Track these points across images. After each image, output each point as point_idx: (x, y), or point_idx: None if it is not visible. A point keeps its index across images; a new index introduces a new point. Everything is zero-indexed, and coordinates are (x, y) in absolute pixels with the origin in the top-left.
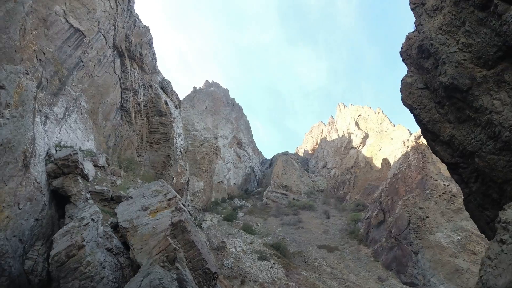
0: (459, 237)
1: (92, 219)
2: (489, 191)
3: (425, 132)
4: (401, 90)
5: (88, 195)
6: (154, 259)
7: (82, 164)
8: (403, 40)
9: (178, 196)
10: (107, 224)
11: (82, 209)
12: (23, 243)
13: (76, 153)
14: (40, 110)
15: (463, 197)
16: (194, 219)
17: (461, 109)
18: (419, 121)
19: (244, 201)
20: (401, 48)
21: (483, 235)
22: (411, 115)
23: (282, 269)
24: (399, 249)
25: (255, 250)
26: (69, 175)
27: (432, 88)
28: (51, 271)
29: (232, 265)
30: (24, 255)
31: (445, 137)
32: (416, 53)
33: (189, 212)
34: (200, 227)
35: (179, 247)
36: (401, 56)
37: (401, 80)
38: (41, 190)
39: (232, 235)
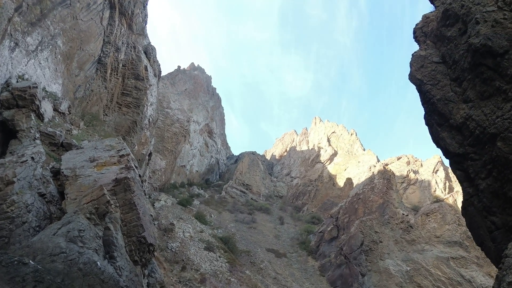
0: (409, 268)
1: (32, 158)
2: (504, 189)
3: (431, 114)
4: (412, 64)
5: (37, 135)
6: (81, 207)
7: (40, 101)
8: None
9: (132, 156)
10: (47, 168)
11: (26, 147)
12: None
13: (36, 87)
14: (11, 35)
15: (463, 197)
16: (149, 196)
17: (488, 80)
18: (427, 99)
19: (202, 190)
20: (416, 25)
21: (435, 270)
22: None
23: (226, 264)
24: (347, 268)
25: (203, 239)
26: (23, 109)
27: (451, 61)
28: None
29: (177, 249)
30: None
31: (458, 119)
32: (438, 21)
33: (139, 175)
34: (153, 205)
35: (116, 206)
36: (414, 33)
37: (413, 54)
38: None
39: (183, 219)
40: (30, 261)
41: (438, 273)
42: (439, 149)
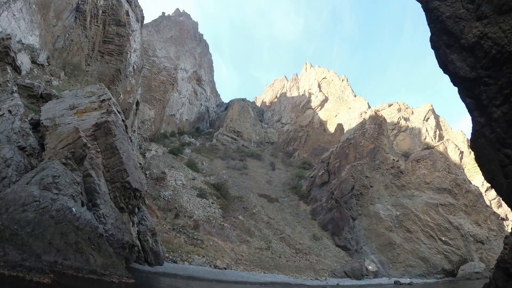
0: (398, 213)
1: (9, 111)
2: None
3: (439, 34)
4: None
5: (15, 88)
6: (56, 153)
7: (15, 53)
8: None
9: (114, 100)
10: (26, 120)
11: (3, 101)
12: None
13: (10, 39)
14: None
15: (472, 131)
16: (139, 147)
17: None
18: (435, 18)
19: (193, 139)
20: None
21: (420, 217)
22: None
23: (219, 209)
24: (338, 212)
25: (195, 186)
26: None
27: None
28: None
29: (169, 197)
30: None
31: (470, 38)
32: None
33: (123, 120)
34: (144, 156)
35: (98, 151)
36: None
37: None
38: None
39: (174, 168)
40: None
41: (427, 218)
42: (447, 74)
